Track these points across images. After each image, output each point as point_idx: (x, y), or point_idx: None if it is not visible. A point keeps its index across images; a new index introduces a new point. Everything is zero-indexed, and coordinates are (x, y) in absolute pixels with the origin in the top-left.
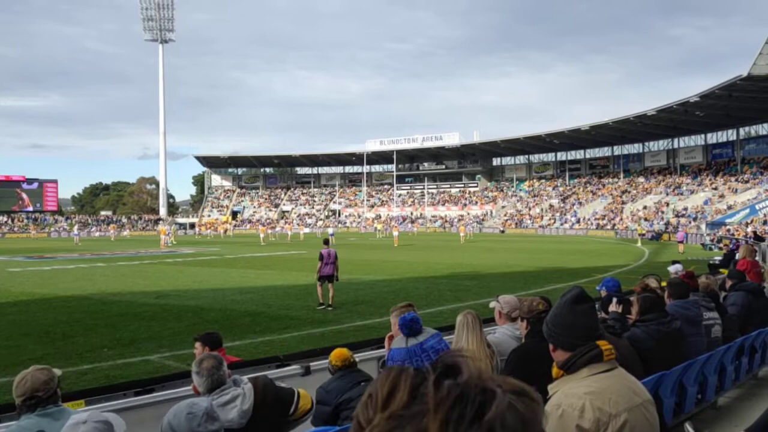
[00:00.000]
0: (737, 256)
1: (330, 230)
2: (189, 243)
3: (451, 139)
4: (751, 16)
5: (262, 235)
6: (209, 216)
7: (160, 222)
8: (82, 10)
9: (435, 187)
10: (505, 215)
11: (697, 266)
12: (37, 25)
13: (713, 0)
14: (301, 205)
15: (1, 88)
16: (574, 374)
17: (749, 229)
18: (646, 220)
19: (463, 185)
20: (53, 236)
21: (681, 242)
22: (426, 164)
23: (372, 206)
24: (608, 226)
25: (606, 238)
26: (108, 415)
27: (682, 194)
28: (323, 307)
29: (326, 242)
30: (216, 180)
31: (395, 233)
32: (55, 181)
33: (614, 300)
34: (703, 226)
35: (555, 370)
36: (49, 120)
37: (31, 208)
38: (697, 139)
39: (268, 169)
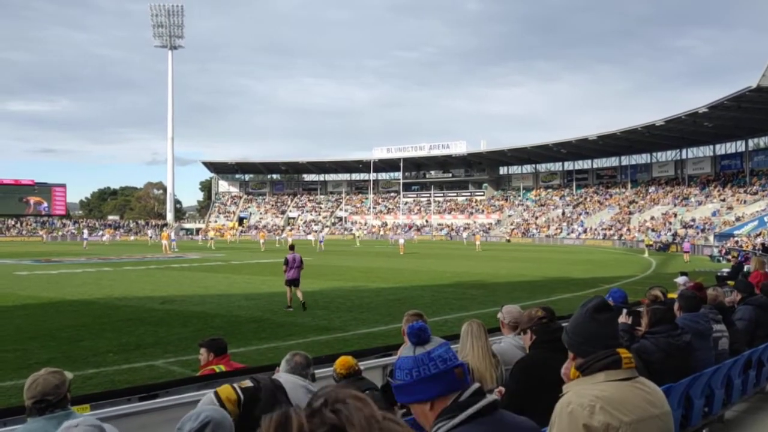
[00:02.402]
0: (748, 269)
1: (321, 236)
2: (193, 249)
3: (458, 148)
4: (761, 28)
5: (262, 241)
6: (215, 221)
7: (165, 227)
8: (93, 16)
9: (441, 195)
10: (511, 224)
11: (705, 278)
12: (48, 31)
13: (722, 12)
14: (307, 211)
15: (11, 93)
16: (590, 377)
17: (758, 241)
18: (653, 230)
19: (469, 194)
20: (44, 240)
21: (687, 252)
22: (432, 172)
23: (378, 214)
24: (615, 237)
25: (605, 248)
26: (103, 424)
27: (690, 205)
28: (291, 309)
29: (291, 248)
30: (223, 186)
31: (401, 241)
32: (63, 185)
33: (624, 311)
34: (711, 238)
35: (572, 372)
36: (59, 125)
37: (41, 211)
38: (706, 150)
39: (275, 176)
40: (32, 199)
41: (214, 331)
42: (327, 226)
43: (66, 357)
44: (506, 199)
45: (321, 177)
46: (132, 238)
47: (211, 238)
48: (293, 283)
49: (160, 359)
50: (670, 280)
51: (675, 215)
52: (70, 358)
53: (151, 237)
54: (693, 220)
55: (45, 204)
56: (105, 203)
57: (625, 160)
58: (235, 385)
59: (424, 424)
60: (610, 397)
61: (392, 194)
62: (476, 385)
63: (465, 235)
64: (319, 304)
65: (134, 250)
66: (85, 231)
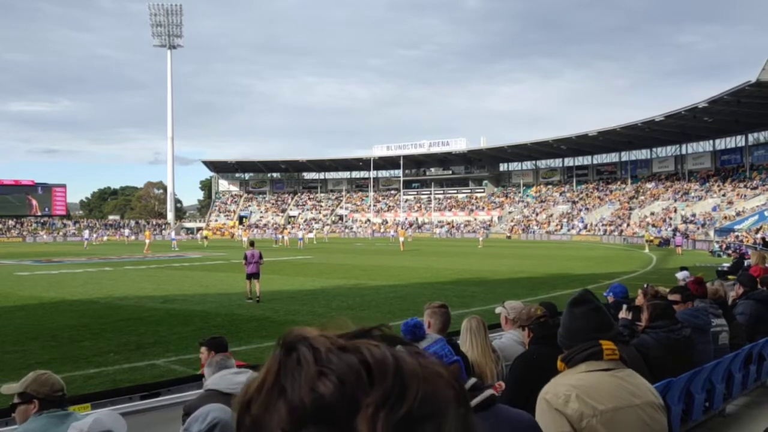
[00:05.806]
0: (748, 263)
1: (299, 234)
2: (192, 248)
3: (458, 145)
4: (760, 24)
5: (245, 239)
6: (216, 221)
7: (164, 227)
8: (95, 17)
9: (442, 192)
10: (511, 221)
11: (705, 273)
12: (50, 32)
13: (722, 7)
14: (307, 210)
15: (13, 94)
16: (573, 368)
17: (759, 236)
18: (653, 226)
19: (469, 191)
20: (35, 240)
21: (679, 246)
22: (433, 170)
23: (378, 212)
24: (616, 233)
25: (606, 244)
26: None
27: (690, 200)
28: (251, 300)
29: (252, 244)
30: (223, 185)
31: (401, 238)
32: (63, 186)
33: (624, 307)
34: (712, 233)
35: (559, 364)
36: (61, 125)
37: (42, 211)
38: (706, 145)
39: (275, 174)
40: (33, 200)
41: (214, 330)
42: (327, 224)
43: (67, 357)
44: (506, 196)
45: (321, 175)
46: (133, 237)
47: (204, 237)
48: (253, 276)
49: (161, 358)
50: (670, 276)
51: (675, 210)
52: (71, 358)
53: (127, 236)
54: (693, 215)
55: (46, 205)
56: (105, 203)
57: (625, 156)
58: None
59: None
60: (586, 386)
61: (392, 192)
62: (473, 380)
63: (439, 231)
64: (320, 302)
65: (120, 250)
66: (86, 231)
